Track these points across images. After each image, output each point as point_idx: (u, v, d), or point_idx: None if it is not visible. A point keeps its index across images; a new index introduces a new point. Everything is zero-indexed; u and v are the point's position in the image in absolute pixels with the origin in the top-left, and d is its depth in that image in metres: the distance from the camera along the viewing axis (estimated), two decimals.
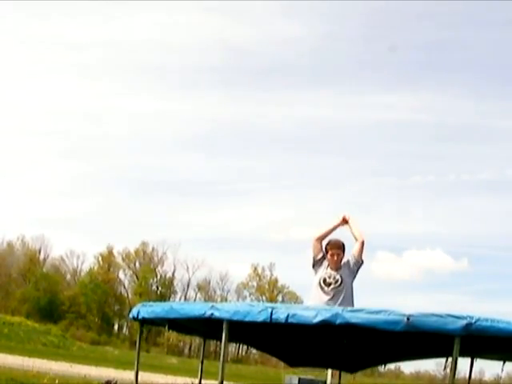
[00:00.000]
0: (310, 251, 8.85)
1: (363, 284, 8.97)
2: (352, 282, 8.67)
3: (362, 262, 8.72)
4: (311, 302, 8.53)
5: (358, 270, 8.71)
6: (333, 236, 8.86)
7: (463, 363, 8.58)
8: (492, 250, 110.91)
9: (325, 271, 8.62)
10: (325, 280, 8.54)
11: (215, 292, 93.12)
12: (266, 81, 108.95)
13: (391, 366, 73.91)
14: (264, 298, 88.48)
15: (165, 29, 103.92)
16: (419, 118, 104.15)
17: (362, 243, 8.74)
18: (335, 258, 8.58)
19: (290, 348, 10.12)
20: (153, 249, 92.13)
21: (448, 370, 6.92)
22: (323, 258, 8.73)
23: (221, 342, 7.33)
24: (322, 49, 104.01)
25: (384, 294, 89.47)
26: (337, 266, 8.59)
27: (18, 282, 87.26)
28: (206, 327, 8.56)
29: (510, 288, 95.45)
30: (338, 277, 8.53)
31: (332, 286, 8.48)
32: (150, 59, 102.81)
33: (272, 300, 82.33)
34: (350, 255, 8.72)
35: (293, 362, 11.45)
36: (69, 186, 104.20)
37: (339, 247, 8.66)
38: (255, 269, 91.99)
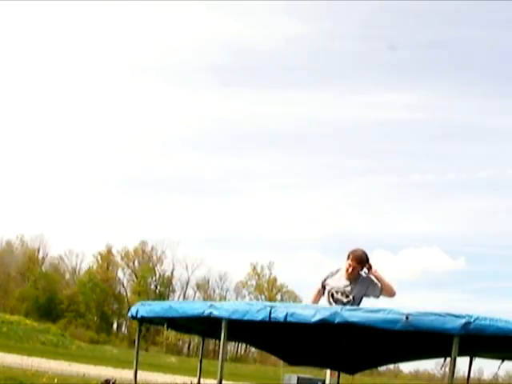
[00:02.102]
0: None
1: None
2: (361, 298, 8.59)
3: (378, 298, 8.66)
4: None
5: (369, 297, 8.65)
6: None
7: (462, 362, 8.59)
8: (490, 249, 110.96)
9: (332, 284, 8.59)
10: (333, 295, 8.55)
11: (214, 291, 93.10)
12: (266, 80, 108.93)
13: (390, 365, 74.07)
14: (263, 296, 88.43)
15: (165, 28, 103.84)
16: (419, 116, 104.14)
17: (394, 295, 8.63)
18: (351, 269, 8.50)
19: (289, 347, 10.11)
20: (152, 248, 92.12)
21: (447, 368, 6.93)
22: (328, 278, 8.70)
23: (220, 340, 7.34)
24: (322, 48, 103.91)
25: None
26: (350, 277, 8.54)
27: (16, 280, 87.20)
28: (204, 326, 8.57)
29: (508, 287, 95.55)
30: (349, 295, 8.47)
31: (339, 304, 8.35)
32: (150, 58, 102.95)
33: (271, 299, 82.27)
34: (378, 283, 8.55)
35: (292, 360, 11.44)
36: (68, 185, 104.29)
37: (359, 262, 8.52)
38: (254, 268, 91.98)
